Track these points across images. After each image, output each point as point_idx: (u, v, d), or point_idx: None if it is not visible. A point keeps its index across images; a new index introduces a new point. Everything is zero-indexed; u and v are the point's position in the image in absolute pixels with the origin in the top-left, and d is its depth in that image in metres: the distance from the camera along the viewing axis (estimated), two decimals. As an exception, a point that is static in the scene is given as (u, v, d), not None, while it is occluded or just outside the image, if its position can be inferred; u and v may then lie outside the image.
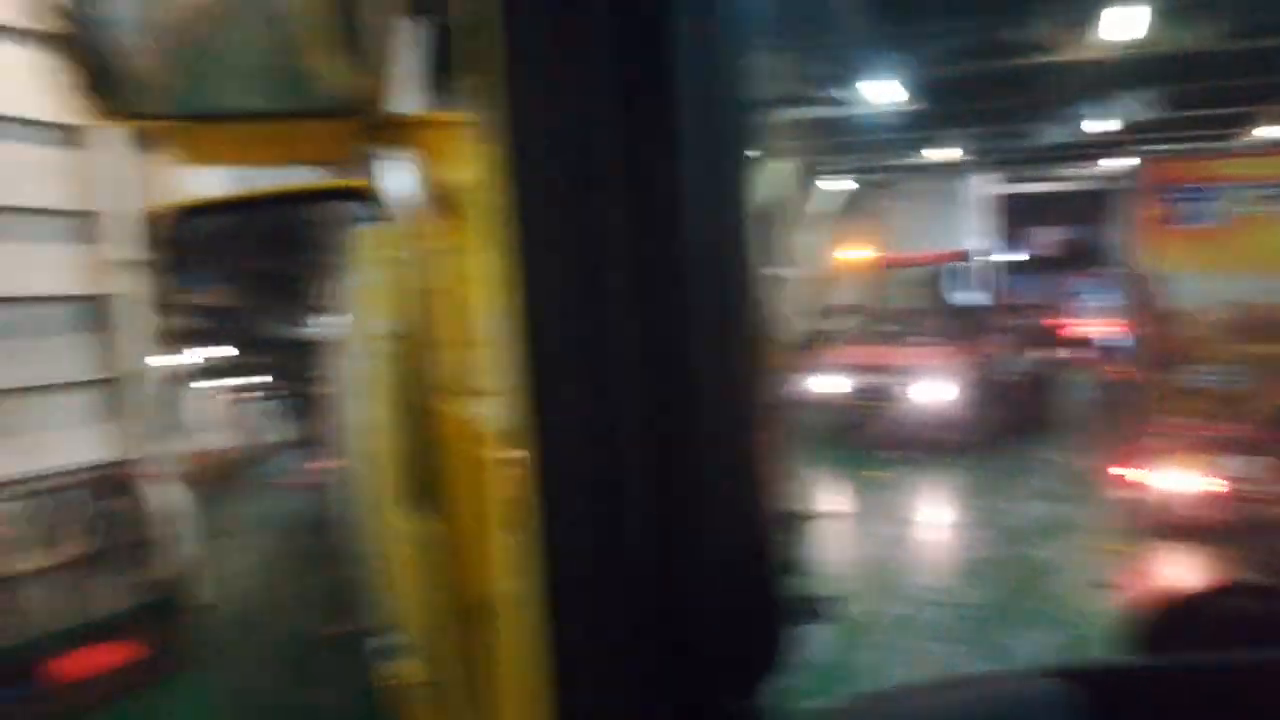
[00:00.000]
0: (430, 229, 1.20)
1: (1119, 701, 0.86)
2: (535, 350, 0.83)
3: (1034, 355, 17.21)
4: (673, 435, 0.85)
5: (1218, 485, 8.24)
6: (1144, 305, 8.75)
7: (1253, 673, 0.79)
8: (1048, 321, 26.75)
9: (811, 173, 22.07)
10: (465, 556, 1.09)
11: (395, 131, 1.23)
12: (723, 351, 0.90)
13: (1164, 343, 8.68)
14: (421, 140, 1.25)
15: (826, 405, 13.90)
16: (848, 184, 23.54)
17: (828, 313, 16.73)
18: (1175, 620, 1.10)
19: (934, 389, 12.77)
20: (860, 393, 13.31)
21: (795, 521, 1.02)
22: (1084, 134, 17.50)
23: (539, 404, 0.83)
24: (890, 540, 9.34)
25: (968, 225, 25.15)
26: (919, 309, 14.75)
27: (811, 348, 16.32)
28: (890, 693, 1.03)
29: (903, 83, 13.24)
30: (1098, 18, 11.17)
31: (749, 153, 0.98)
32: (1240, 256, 8.35)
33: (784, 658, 0.93)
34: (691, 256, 0.86)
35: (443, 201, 1.20)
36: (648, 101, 0.83)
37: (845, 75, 12.90)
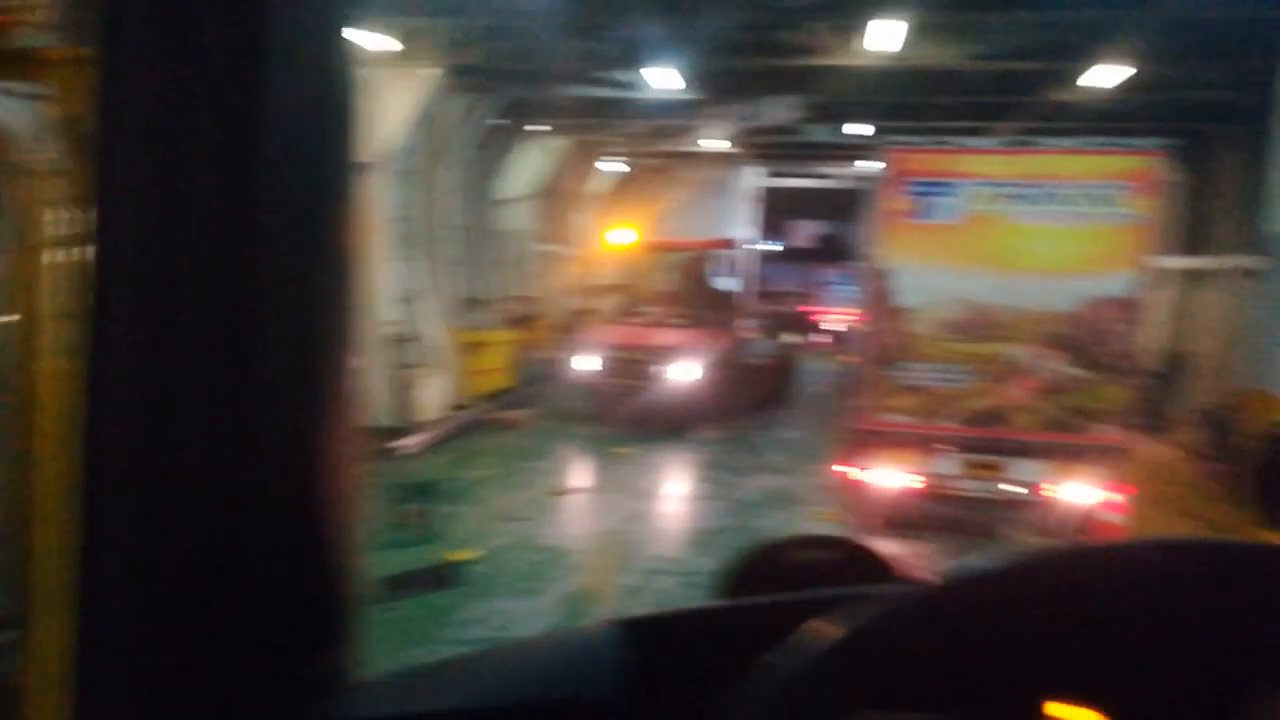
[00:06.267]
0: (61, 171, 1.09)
1: (673, 644, 0.92)
2: (98, 325, 0.77)
3: (785, 340, 18.24)
4: (234, 415, 0.82)
5: (918, 481, 8.69)
6: (875, 299, 8.87)
7: (788, 611, 0.82)
8: (800, 309, 28.52)
9: (589, 153, 22.26)
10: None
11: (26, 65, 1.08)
12: (302, 343, 0.88)
13: (890, 338, 8.81)
14: (56, 76, 1.10)
15: (583, 383, 14.19)
16: (622, 167, 23.90)
17: (594, 292, 17.03)
18: (754, 570, 1.19)
19: (687, 369, 13.26)
20: (616, 371, 13.60)
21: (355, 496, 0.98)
22: (843, 135, 18.64)
23: (96, 373, 0.78)
24: (629, 514, 9.64)
25: (734, 214, 26.18)
26: (682, 292, 15.25)
27: (575, 326, 16.56)
28: (461, 658, 1.04)
29: (680, 71, 13.54)
30: (863, 29, 11.88)
31: (350, 152, 0.92)
32: (970, 254, 8.53)
33: (354, 629, 0.92)
34: (275, 241, 0.82)
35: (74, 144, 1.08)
36: (241, 81, 0.79)
37: (627, 59, 13.06)
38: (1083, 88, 12.96)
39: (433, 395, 12.82)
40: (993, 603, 0.60)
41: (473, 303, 15.93)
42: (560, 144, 20.19)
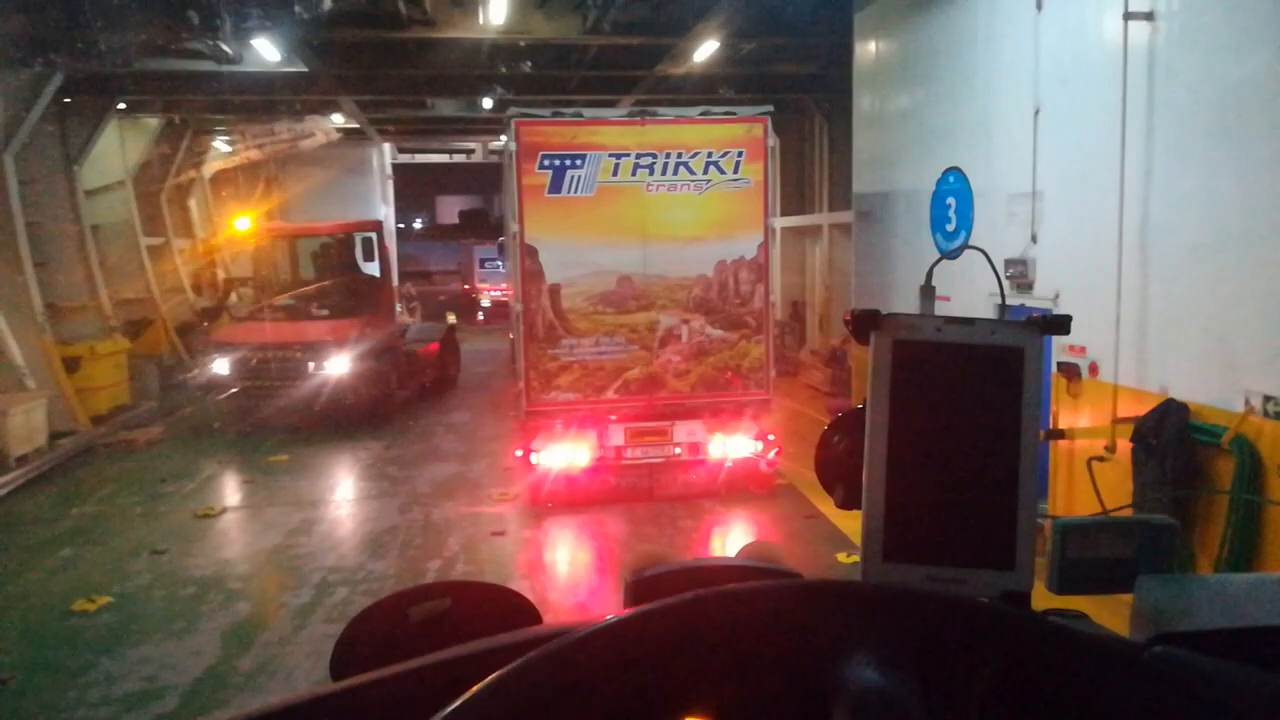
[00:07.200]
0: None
1: None
2: None
3: (449, 321, 17.92)
4: None
5: (588, 457, 8.85)
6: (525, 276, 8.83)
7: (412, 680, 0.75)
8: (463, 287, 28.39)
9: (199, 133, 20.07)
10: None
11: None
12: None
13: (544, 314, 8.82)
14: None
15: (221, 388, 12.88)
16: (243, 147, 21.89)
17: (223, 286, 15.45)
18: (367, 637, 1.01)
19: (338, 362, 12.48)
20: (257, 372, 12.49)
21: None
22: (480, 109, 18.50)
23: None
24: (293, 526, 8.88)
25: (375, 194, 25.17)
26: (325, 280, 14.29)
27: (204, 326, 14.94)
28: None
29: (284, 44, 12.48)
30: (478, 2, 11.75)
31: None
32: (608, 226, 8.77)
33: None
34: None
35: None
36: None
37: (218, 28, 11.73)
38: (692, 62, 13.93)
39: (22, 424, 10.84)
40: (633, 644, 0.63)
41: (64, 311, 13.71)
42: (157, 124, 17.92)
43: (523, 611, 1.05)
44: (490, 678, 0.60)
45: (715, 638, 0.64)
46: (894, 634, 0.63)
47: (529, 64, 14.72)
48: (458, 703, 0.59)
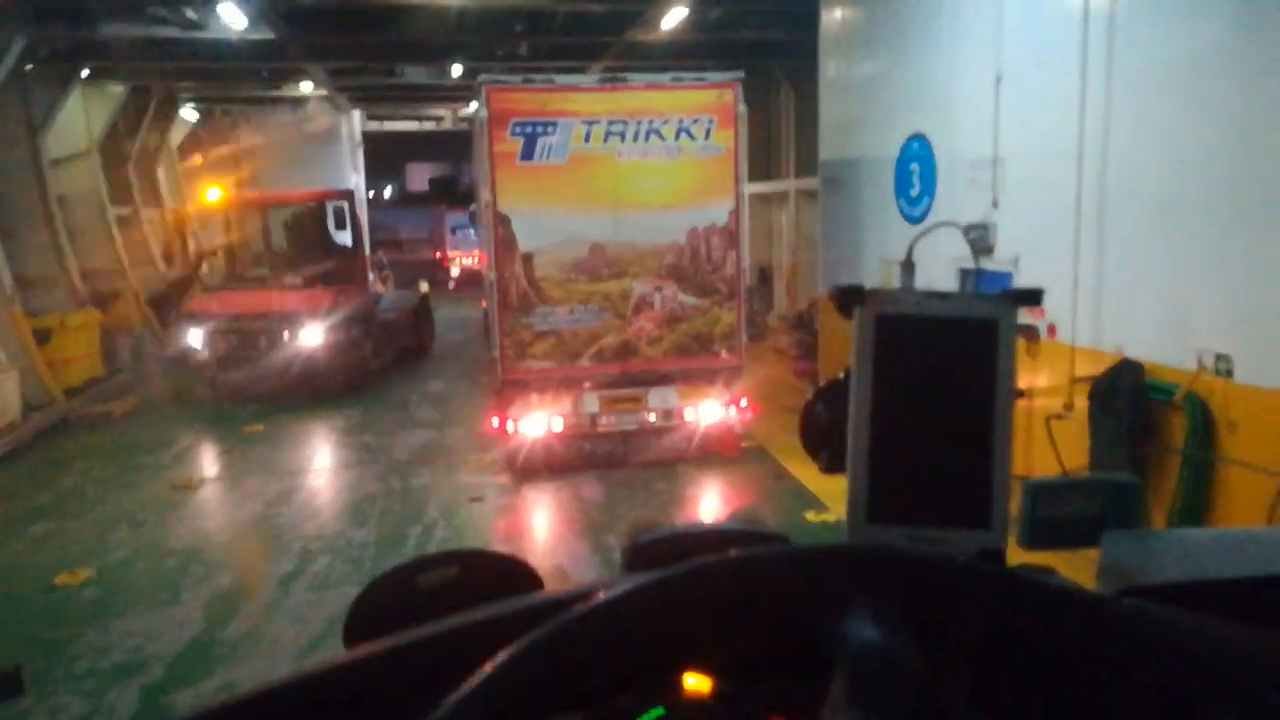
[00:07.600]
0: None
1: None
2: None
3: (421, 289, 17.88)
4: None
5: (563, 424, 8.90)
6: (497, 244, 8.75)
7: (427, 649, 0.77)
8: (434, 255, 28.24)
9: (165, 101, 19.73)
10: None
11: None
12: None
13: (517, 283, 8.81)
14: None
15: (193, 360, 12.85)
16: (211, 116, 21.51)
17: (193, 257, 15.32)
18: (379, 604, 1.04)
19: (311, 332, 12.48)
20: (230, 343, 12.47)
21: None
22: (449, 77, 18.32)
23: None
24: (273, 495, 8.96)
25: (345, 162, 24.88)
26: (296, 249, 14.22)
27: (175, 297, 14.84)
28: None
29: (256, 11, 12.30)
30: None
31: None
32: (580, 193, 8.71)
33: None
34: None
35: None
36: None
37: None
38: (659, 27, 13.88)
39: (-7, 397, 10.80)
40: (639, 615, 0.65)
41: (32, 282, 13.55)
42: (123, 92, 17.61)
43: (525, 578, 1.07)
44: (506, 651, 0.61)
45: (719, 604, 0.66)
46: (886, 593, 0.65)
47: (497, 30, 14.59)
48: (483, 672, 0.60)
